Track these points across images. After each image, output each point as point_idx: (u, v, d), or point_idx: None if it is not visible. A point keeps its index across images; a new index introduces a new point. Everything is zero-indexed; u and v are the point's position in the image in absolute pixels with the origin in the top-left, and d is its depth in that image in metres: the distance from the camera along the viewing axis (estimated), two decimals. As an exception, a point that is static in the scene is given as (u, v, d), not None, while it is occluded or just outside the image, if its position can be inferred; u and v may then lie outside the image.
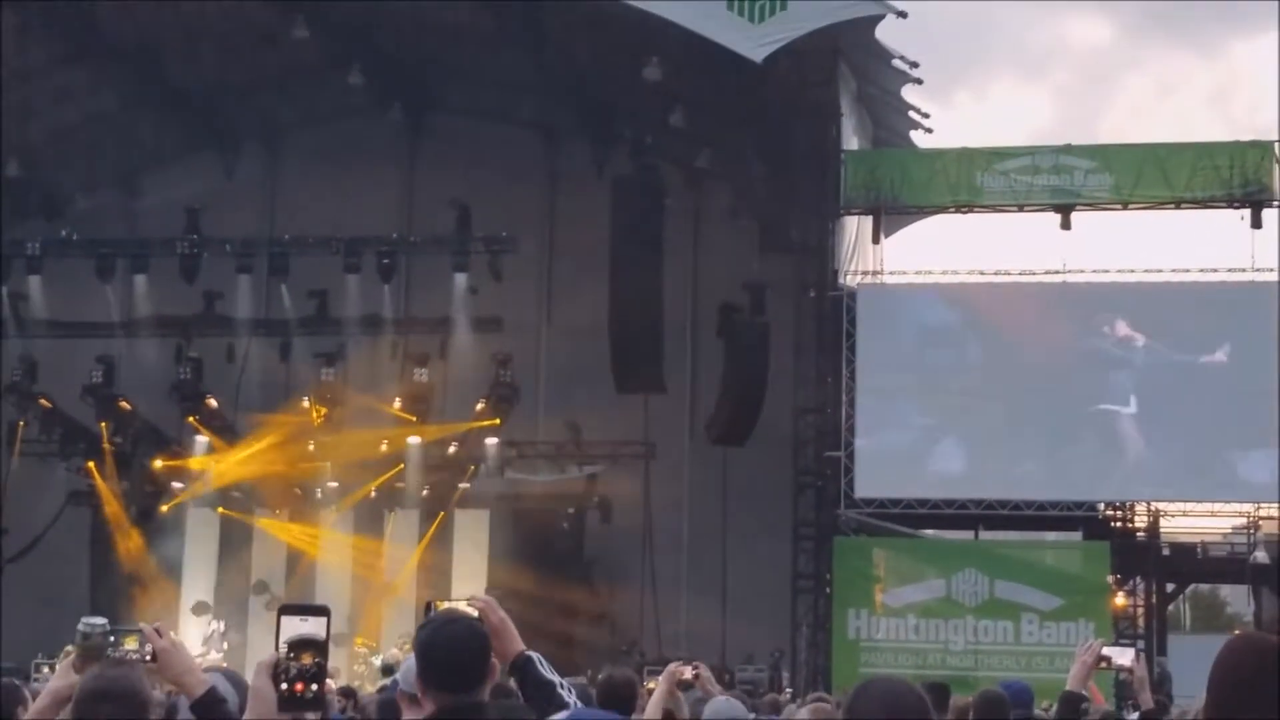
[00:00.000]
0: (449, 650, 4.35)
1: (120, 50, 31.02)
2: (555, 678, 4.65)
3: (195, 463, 31.43)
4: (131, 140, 33.90)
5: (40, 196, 33.60)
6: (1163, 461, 26.41)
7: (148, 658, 4.76)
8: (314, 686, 3.68)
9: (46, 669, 19.69)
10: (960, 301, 27.56)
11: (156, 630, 4.82)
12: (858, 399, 26.89)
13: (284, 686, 3.83)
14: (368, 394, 30.72)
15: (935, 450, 27.08)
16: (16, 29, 28.75)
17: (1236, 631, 4.76)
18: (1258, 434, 25.75)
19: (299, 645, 3.68)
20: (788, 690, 21.30)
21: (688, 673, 9.62)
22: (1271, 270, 26.10)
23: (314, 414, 30.85)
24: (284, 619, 3.72)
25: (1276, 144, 26.82)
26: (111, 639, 4.95)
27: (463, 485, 31.21)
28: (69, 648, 5.17)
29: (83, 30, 29.85)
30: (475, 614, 4.52)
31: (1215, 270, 26.72)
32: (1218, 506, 27.64)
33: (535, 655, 4.66)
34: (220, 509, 31.44)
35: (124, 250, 30.86)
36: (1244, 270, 26.39)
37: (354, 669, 27.72)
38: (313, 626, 3.73)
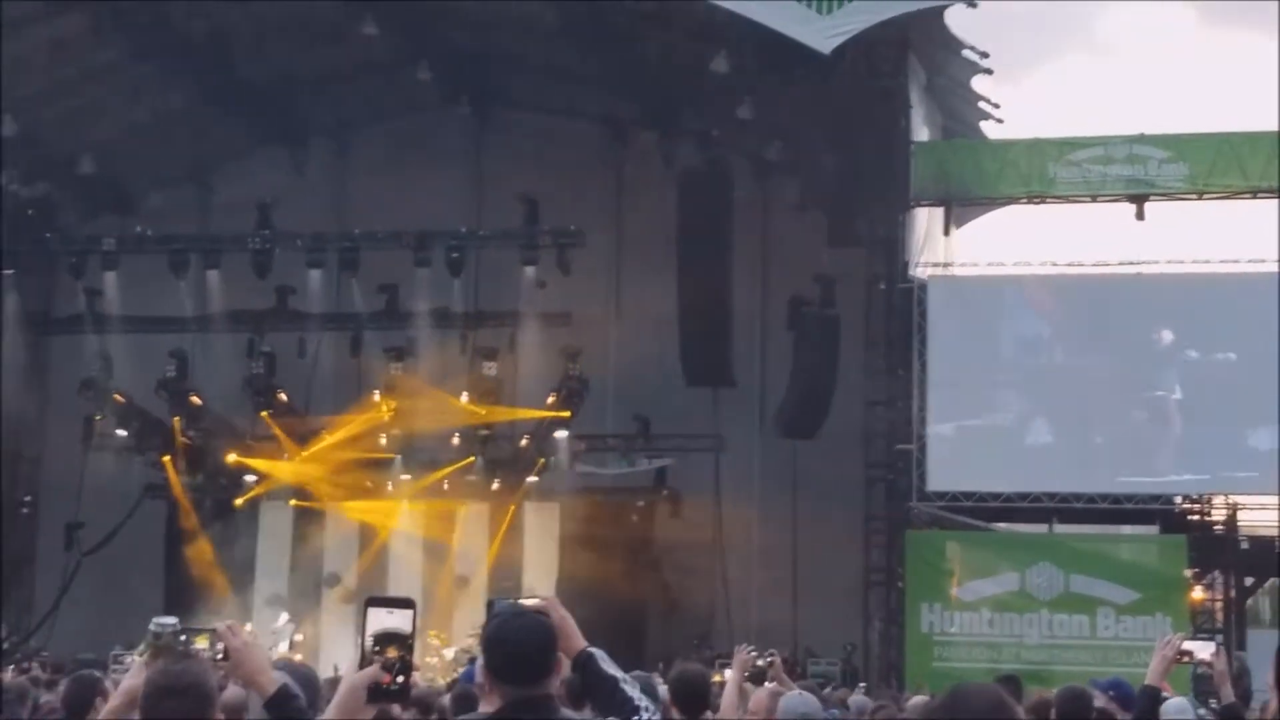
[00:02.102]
0: (515, 643, 4.42)
1: (191, 47, 31.22)
2: (618, 673, 4.71)
3: (266, 465, 31.84)
4: (203, 136, 34.15)
5: (114, 193, 34.30)
6: (1194, 440, 26.69)
7: (219, 656, 4.81)
8: (400, 679, 3.72)
9: (127, 659, 19.99)
10: (1031, 294, 27.65)
11: (230, 628, 4.85)
12: (929, 391, 26.92)
13: None
14: (438, 388, 30.81)
15: (1007, 441, 27.19)
16: (89, 28, 29.32)
17: None
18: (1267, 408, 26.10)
19: (385, 639, 3.71)
20: (861, 685, 21.29)
21: (763, 661, 9.63)
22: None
23: (384, 408, 31.18)
24: (370, 611, 3.75)
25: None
26: (183, 638, 5.04)
27: (532, 479, 31.49)
28: (141, 647, 5.25)
29: (153, 28, 30.12)
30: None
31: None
32: (1296, 499, 27.47)
33: (597, 651, 4.73)
34: (293, 501, 31.85)
35: (197, 246, 31.30)
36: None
37: (426, 660, 27.91)
38: (399, 620, 3.77)
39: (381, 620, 3.74)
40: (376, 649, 3.70)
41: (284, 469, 31.63)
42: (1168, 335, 26.78)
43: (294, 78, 33.27)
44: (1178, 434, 26.80)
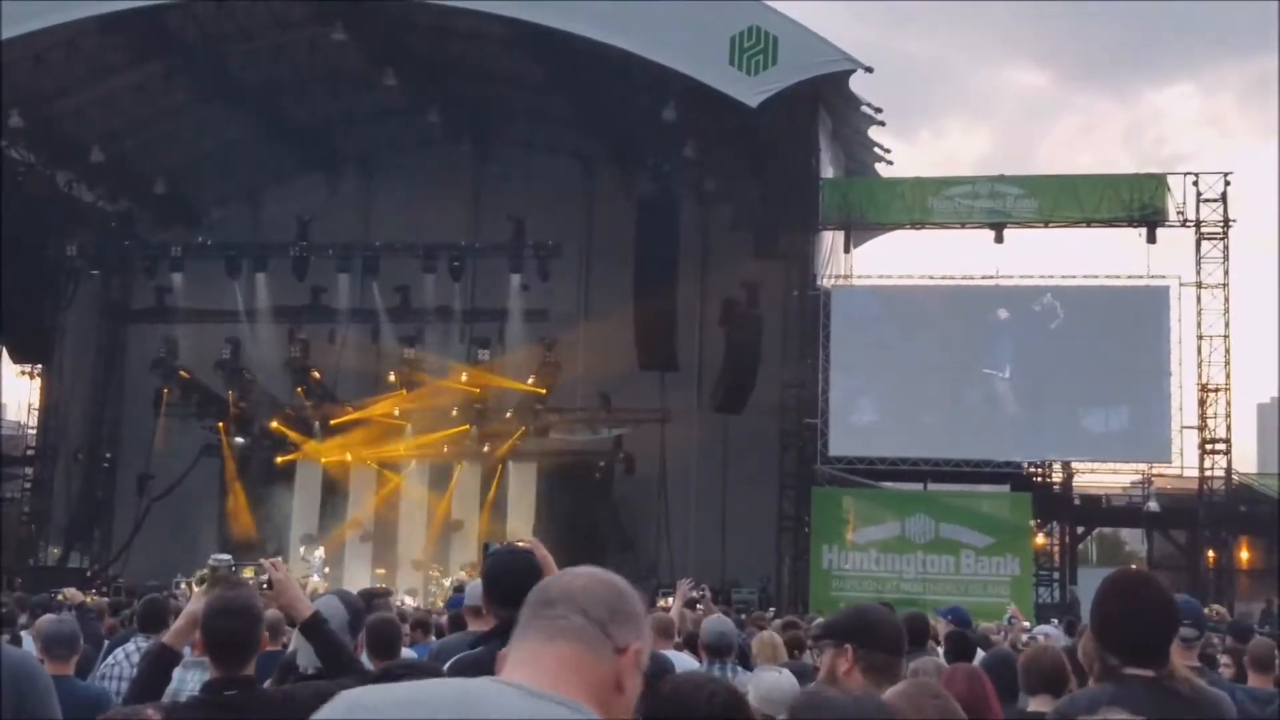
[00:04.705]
0: (509, 574, 4.51)
1: (246, 91, 31.42)
2: None
3: (300, 438, 31.76)
4: (255, 164, 34.11)
5: (182, 209, 34.16)
6: (1029, 418, 26.35)
7: (264, 586, 4.86)
8: None
9: (185, 586, 19.95)
10: (901, 300, 27.68)
11: (273, 564, 4.91)
12: (831, 376, 26.96)
13: None
14: (441, 370, 30.91)
15: (883, 412, 27.03)
16: (163, 75, 29.29)
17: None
18: (1098, 396, 26.01)
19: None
20: (771, 609, 21.38)
21: (696, 593, 10.29)
22: (1163, 276, 26.41)
23: (398, 385, 31.18)
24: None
25: (1168, 176, 27.01)
26: (233, 570, 5.09)
27: (516, 443, 31.39)
28: (201, 572, 5.17)
29: (216, 75, 30.27)
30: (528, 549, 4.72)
31: (1118, 276, 26.77)
32: (1119, 465, 27.71)
33: None
34: (323, 459, 31.74)
35: (248, 253, 31.29)
36: (1141, 276, 26.47)
37: (429, 589, 28.05)
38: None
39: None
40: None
41: (316, 448, 31.59)
42: (1003, 313, 26.50)
43: (329, 118, 33.19)
44: (1014, 414, 26.54)
